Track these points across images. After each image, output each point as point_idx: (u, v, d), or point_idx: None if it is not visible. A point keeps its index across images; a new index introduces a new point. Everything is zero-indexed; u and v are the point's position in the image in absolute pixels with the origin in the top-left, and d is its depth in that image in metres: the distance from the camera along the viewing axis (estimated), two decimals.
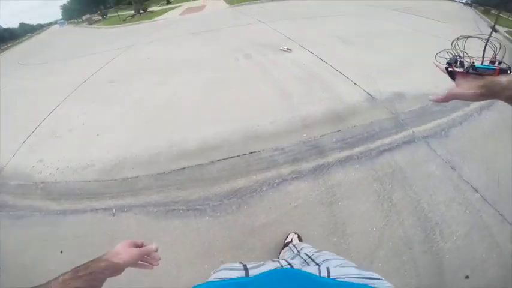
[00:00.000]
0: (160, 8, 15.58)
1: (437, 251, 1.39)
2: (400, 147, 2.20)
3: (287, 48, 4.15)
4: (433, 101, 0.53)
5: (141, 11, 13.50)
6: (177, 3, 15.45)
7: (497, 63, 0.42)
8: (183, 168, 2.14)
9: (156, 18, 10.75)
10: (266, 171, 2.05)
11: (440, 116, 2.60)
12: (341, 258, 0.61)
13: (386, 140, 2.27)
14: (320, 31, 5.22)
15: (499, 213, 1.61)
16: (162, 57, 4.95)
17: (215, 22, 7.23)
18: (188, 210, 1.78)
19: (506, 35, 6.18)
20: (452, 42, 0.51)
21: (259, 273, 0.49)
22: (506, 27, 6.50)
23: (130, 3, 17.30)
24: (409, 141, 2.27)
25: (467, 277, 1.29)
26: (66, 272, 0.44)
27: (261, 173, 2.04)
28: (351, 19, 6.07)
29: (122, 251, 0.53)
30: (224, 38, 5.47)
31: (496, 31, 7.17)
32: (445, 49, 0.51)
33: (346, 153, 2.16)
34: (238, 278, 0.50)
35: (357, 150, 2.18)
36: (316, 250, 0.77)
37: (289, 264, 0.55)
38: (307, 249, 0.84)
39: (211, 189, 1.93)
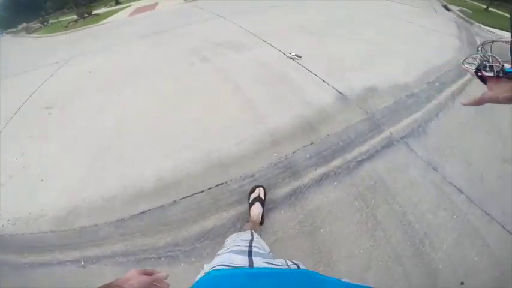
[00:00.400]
0: (108, 9, 14.11)
1: (429, 262, 1.36)
2: (379, 154, 2.01)
3: (295, 55, 3.33)
4: (465, 104, 0.52)
5: (85, 15, 12.07)
6: (127, 3, 14.05)
7: None
8: (143, 212, 1.84)
9: (102, 22, 9.62)
10: (237, 205, 1.77)
11: (415, 109, 2.46)
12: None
13: (364, 148, 2.07)
14: (283, 22, 4.87)
15: (486, 213, 1.58)
16: (106, 69, 4.27)
17: (168, 21, 6.48)
18: (160, 258, 1.58)
19: (459, 13, 6.37)
20: (478, 47, 0.51)
21: (267, 268, 0.50)
22: (458, 5, 6.73)
23: (77, 6, 15.56)
24: (387, 145, 2.09)
25: (462, 283, 1.28)
26: None
27: (231, 208, 1.76)
28: (316, 6, 5.79)
29: (132, 278, 0.54)
30: (178, 39, 4.82)
31: (448, 10, 7.50)
32: (471, 54, 0.51)
33: (323, 170, 1.93)
34: (246, 268, 0.50)
35: (333, 165, 1.95)
36: (267, 252, 0.77)
37: (296, 264, 0.54)
38: (262, 244, 0.82)
39: (179, 233, 1.69)
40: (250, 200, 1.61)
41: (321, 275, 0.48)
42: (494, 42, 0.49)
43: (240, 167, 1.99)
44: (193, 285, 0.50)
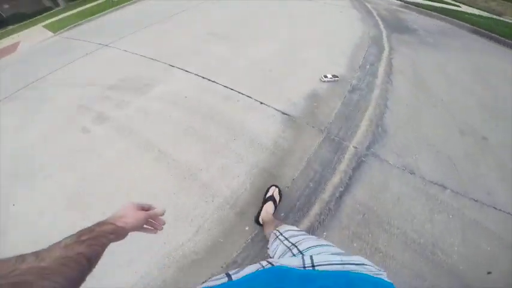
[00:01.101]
0: None
1: (449, 268, 1.33)
2: (354, 180, 1.75)
3: (332, 76, 2.58)
4: None
5: None
6: None
7: None
8: None
9: None
10: None
11: (364, 104, 2.25)
12: (325, 244, 0.62)
13: (336, 179, 1.76)
14: (190, 31, 4.15)
15: (474, 200, 1.61)
16: None
17: (35, 67, 4.80)
18: None
19: None
20: None
21: (242, 277, 0.48)
22: None
23: None
24: (358, 165, 1.82)
25: (489, 273, 1.31)
26: (70, 236, 0.40)
27: None
28: (220, 5, 5.19)
29: (127, 214, 0.51)
30: (53, 92, 3.24)
31: None
32: None
33: (305, 224, 1.56)
34: (222, 284, 0.48)
35: (313, 213, 1.59)
36: (301, 234, 0.78)
37: (270, 263, 0.53)
38: (290, 232, 0.81)
39: None
40: (264, 199, 1.54)
41: (294, 269, 0.47)
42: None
43: (217, 258, 1.41)
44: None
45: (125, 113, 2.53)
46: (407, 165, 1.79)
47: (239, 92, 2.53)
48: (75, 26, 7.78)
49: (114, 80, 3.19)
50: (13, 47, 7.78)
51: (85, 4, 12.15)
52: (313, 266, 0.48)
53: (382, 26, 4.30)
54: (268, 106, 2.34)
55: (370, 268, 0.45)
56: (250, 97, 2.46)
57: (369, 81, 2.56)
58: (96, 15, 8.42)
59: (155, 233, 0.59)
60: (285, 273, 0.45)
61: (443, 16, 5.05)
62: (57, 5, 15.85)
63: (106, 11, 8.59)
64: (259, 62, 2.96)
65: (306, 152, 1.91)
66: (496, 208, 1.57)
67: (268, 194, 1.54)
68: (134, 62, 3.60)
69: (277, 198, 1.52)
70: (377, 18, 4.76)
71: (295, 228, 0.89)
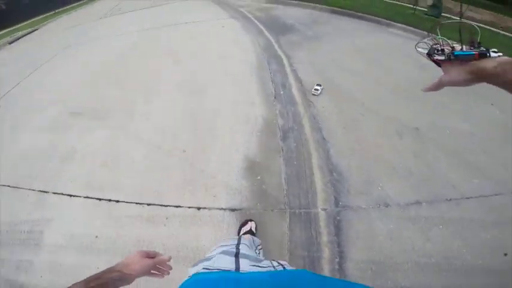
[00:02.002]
0: None
1: (472, 267, 1.35)
2: (343, 244, 1.50)
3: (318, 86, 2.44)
4: (426, 91, 0.50)
5: None
6: None
7: (475, 46, 0.42)
8: None
9: None
10: None
11: (304, 149, 1.95)
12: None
13: (326, 254, 1.47)
14: (29, 124, 2.82)
15: (448, 200, 1.63)
16: None
17: None
18: None
19: None
20: (428, 32, 0.51)
21: (252, 272, 0.49)
22: None
23: None
24: (337, 228, 1.58)
25: (505, 254, 1.36)
26: (78, 282, 0.43)
27: None
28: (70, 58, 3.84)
29: (134, 262, 0.53)
30: None
31: None
32: (422, 39, 0.50)
33: None
34: (230, 272, 0.49)
35: None
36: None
37: (282, 265, 0.54)
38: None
39: None
40: (241, 234, 1.48)
41: (309, 272, 0.47)
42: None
43: None
44: (180, 285, 0.48)
45: None
46: (379, 199, 1.67)
47: (160, 205, 1.76)
48: None
49: None
50: None
51: None
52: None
53: (266, 32, 4.19)
54: (210, 209, 1.71)
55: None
56: (179, 206, 1.73)
57: (293, 112, 2.28)
58: None
59: (162, 277, 0.59)
60: (300, 277, 0.46)
61: (304, 3, 5.44)
62: None
63: None
64: (162, 142, 2.18)
65: (281, 243, 1.47)
66: (468, 197, 1.63)
67: (246, 229, 1.49)
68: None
69: (254, 231, 1.49)
70: (257, 22, 4.65)
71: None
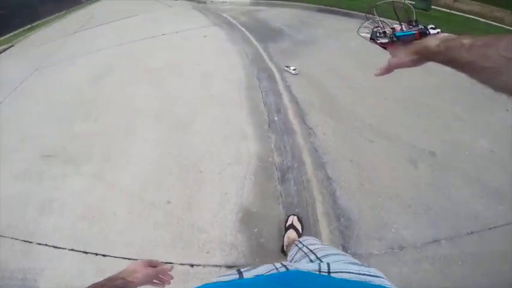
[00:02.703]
0: None
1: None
2: None
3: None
4: (378, 75, 0.50)
5: None
6: None
7: (413, 25, 0.43)
8: None
9: None
10: None
11: (307, 193, 1.69)
12: (344, 254, 0.65)
13: None
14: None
15: (470, 233, 1.47)
16: None
17: None
18: None
19: None
20: (366, 14, 0.50)
21: (256, 276, 0.49)
22: None
23: None
24: None
25: None
26: None
27: None
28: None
29: (137, 270, 0.54)
30: None
31: None
32: (363, 23, 0.50)
33: None
34: (233, 280, 0.49)
35: None
36: (320, 243, 0.78)
37: (284, 266, 0.53)
38: (310, 241, 0.79)
39: None
40: (285, 228, 1.47)
41: (311, 272, 0.47)
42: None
43: None
44: None
45: None
46: (393, 243, 1.45)
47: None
48: None
49: None
50: None
51: None
52: (329, 272, 0.47)
53: (253, 40, 3.86)
54: (204, 266, 1.45)
55: (384, 281, 0.44)
56: (170, 263, 1.44)
57: (291, 144, 1.99)
58: None
59: (163, 287, 0.60)
60: (300, 276, 0.45)
61: (289, 3, 5.10)
62: None
63: None
64: (144, 192, 1.85)
65: None
66: (491, 228, 1.47)
67: (288, 223, 1.47)
68: None
69: (298, 226, 1.45)
70: (242, 29, 4.31)
71: (316, 239, 0.89)
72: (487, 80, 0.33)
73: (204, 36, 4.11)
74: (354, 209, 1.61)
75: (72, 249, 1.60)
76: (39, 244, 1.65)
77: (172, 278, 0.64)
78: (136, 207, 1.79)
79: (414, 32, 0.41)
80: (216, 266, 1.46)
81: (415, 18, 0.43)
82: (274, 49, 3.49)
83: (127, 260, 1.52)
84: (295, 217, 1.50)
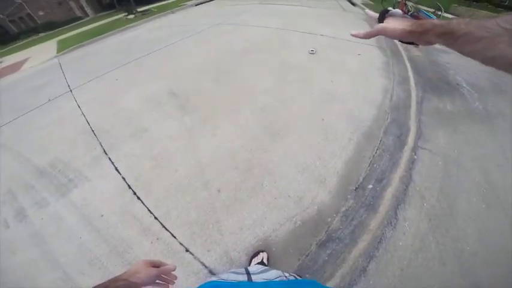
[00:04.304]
0: None
1: None
2: None
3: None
4: (354, 35, 0.51)
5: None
6: None
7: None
8: None
9: None
10: None
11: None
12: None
13: None
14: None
15: None
16: None
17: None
18: None
19: (363, 6, 5.83)
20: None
21: (265, 281, 0.52)
22: None
23: None
24: None
25: None
26: None
27: None
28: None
29: (140, 270, 0.54)
30: None
31: (353, 4, 7.00)
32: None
33: None
34: (244, 282, 0.53)
35: None
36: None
37: (293, 275, 0.56)
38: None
39: None
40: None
41: (319, 284, 0.50)
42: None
43: None
44: None
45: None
46: None
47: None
48: (77, 47, 7.62)
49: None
50: (17, 66, 7.78)
51: (109, 17, 12.23)
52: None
53: (412, 81, 3.15)
54: None
55: None
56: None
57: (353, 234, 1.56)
58: (104, 34, 8.26)
59: (167, 287, 0.59)
60: (309, 285, 0.49)
61: None
62: (87, 14, 16.35)
63: (114, 31, 8.40)
64: None
65: None
66: None
67: (257, 260, 1.44)
68: (79, 128, 2.95)
69: (266, 263, 1.43)
70: (407, 63, 3.58)
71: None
72: (480, 50, 0.34)
73: (359, 54, 3.72)
74: None
75: None
76: None
77: (176, 278, 0.61)
78: None
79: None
80: None
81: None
82: (431, 107, 2.71)
83: None
84: (265, 254, 1.49)
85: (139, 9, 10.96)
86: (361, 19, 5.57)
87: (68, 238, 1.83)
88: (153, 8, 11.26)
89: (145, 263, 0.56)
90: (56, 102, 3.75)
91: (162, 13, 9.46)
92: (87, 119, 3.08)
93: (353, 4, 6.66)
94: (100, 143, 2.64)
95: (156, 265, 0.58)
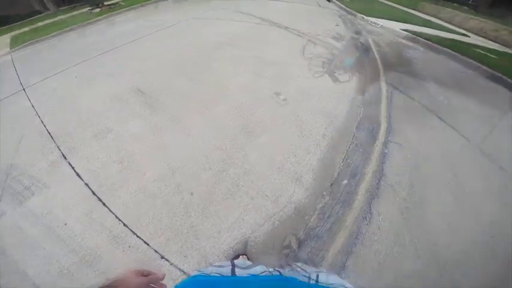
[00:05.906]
0: None
1: None
2: None
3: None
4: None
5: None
6: None
7: None
8: None
9: None
10: None
11: None
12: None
13: None
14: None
15: None
16: None
17: None
18: None
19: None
20: None
21: (250, 275, 0.53)
22: None
23: None
24: None
25: None
26: None
27: None
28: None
29: (129, 280, 0.52)
30: None
31: (329, 0, 7.19)
32: None
33: None
34: (228, 276, 0.54)
35: None
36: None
37: (277, 270, 0.56)
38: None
39: None
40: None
41: (302, 282, 0.51)
42: None
43: None
44: (178, 284, 0.53)
45: None
46: None
47: None
48: (33, 42, 6.87)
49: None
50: None
51: (72, 11, 11.22)
52: (317, 281, 0.52)
53: (382, 76, 3.25)
54: None
55: None
56: None
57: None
58: (64, 29, 7.54)
59: None
60: (292, 281, 0.50)
61: (452, 52, 3.94)
62: (47, 8, 14.87)
63: (73, 26, 7.71)
64: None
65: None
66: None
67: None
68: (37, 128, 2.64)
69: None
70: (378, 60, 3.70)
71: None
72: None
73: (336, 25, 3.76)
74: None
75: None
76: None
77: (165, 286, 0.59)
78: None
79: None
80: None
81: None
82: (400, 100, 2.82)
83: None
84: (246, 257, 1.46)
85: (106, 3, 10.18)
86: (335, 15, 5.68)
87: (32, 248, 1.63)
88: (121, 1, 10.52)
89: (134, 272, 0.54)
90: (6, 102, 3.32)
91: (131, 7, 8.88)
92: (43, 120, 2.76)
93: (328, 0, 6.87)
94: (58, 147, 2.37)
95: (144, 274, 0.56)
